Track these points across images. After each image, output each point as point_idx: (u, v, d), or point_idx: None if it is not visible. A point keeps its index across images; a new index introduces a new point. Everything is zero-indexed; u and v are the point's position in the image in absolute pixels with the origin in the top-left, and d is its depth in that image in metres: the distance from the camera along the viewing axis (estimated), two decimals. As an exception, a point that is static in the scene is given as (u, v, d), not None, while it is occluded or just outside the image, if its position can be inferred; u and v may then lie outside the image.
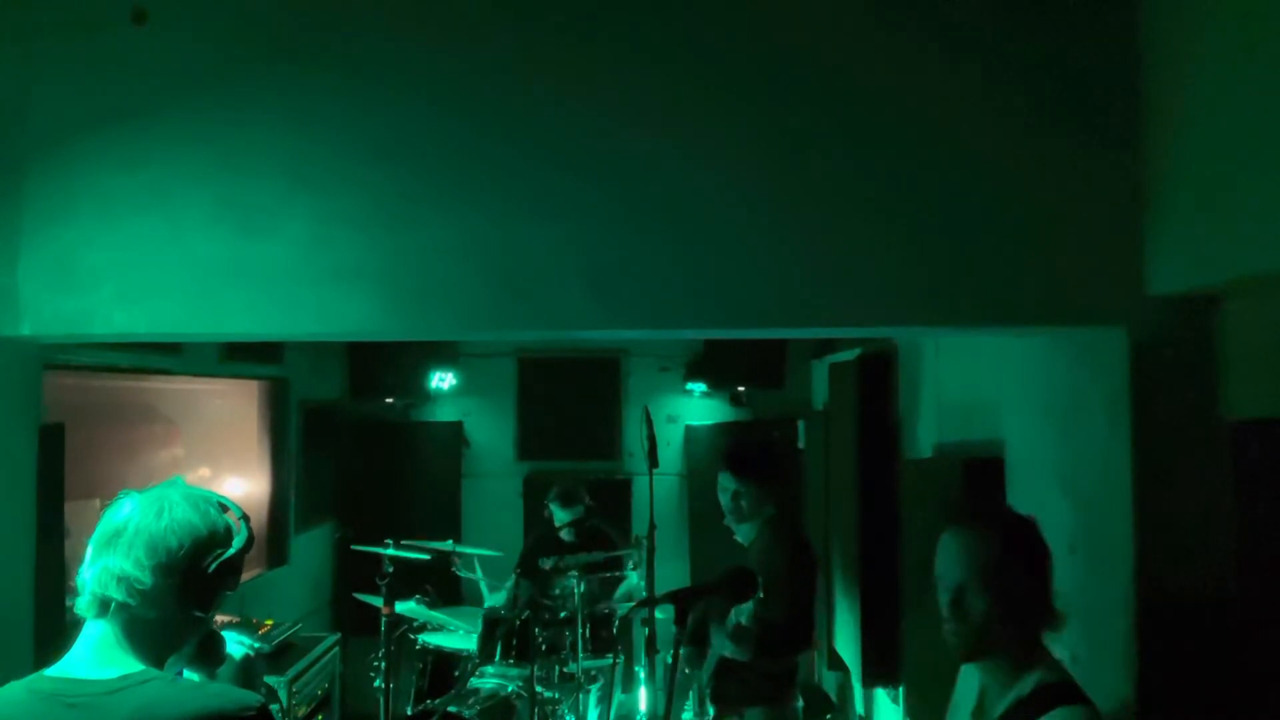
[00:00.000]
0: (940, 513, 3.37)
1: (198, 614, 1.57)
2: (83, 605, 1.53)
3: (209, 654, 1.67)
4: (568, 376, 6.55)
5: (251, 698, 1.56)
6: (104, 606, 1.51)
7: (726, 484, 3.61)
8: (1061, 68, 2.27)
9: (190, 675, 1.68)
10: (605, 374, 6.58)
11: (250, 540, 1.65)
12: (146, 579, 1.49)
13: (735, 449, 3.91)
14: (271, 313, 2.31)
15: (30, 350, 2.49)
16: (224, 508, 1.65)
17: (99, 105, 2.32)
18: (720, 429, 6.50)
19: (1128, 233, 2.23)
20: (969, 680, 2.00)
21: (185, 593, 1.53)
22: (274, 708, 3.67)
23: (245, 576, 4.97)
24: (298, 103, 2.32)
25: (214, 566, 1.56)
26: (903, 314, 2.32)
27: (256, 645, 1.84)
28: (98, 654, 1.51)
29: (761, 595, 3.04)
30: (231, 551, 1.60)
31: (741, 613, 3.29)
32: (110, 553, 1.51)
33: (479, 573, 5.04)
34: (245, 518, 1.67)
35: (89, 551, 1.54)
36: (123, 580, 1.49)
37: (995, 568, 1.80)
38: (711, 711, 3.63)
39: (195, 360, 4.34)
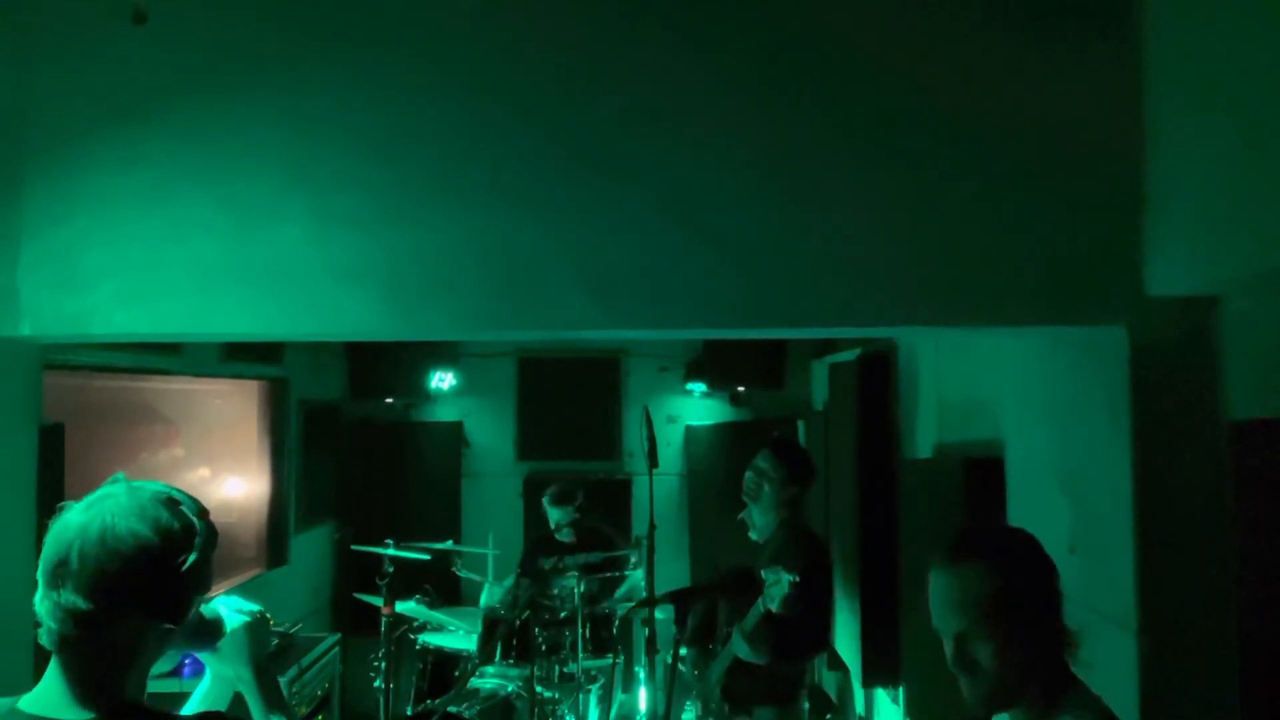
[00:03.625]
0: (940, 513, 3.39)
1: (167, 625, 1.45)
2: (45, 639, 1.42)
3: (204, 633, 1.62)
4: (568, 376, 6.54)
5: None
6: (64, 642, 1.40)
7: (761, 462, 3.59)
8: (1062, 69, 2.27)
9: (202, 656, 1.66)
10: (605, 374, 6.58)
11: (211, 535, 1.50)
12: (102, 608, 1.37)
13: (783, 438, 3.91)
14: (271, 313, 2.31)
15: (30, 350, 2.49)
16: (175, 503, 1.47)
17: (99, 105, 2.32)
18: (720, 429, 6.50)
19: (1128, 233, 2.23)
20: None
21: (149, 609, 1.42)
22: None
23: (245, 577, 4.96)
24: (297, 103, 2.32)
25: (176, 574, 1.43)
26: (903, 314, 2.32)
27: (256, 608, 1.74)
28: (68, 691, 1.40)
29: (786, 592, 3.02)
30: (193, 556, 1.45)
31: (772, 601, 3.18)
32: (60, 587, 1.38)
33: (489, 573, 5.04)
34: (202, 512, 1.50)
35: (39, 581, 1.41)
36: (79, 616, 1.37)
37: (996, 605, 1.54)
38: (718, 710, 3.63)
39: (195, 360, 4.34)
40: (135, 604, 1.40)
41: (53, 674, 1.43)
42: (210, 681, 1.75)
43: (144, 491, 1.47)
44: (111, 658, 1.42)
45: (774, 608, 3.11)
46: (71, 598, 1.37)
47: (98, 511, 1.42)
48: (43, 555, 1.42)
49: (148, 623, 1.42)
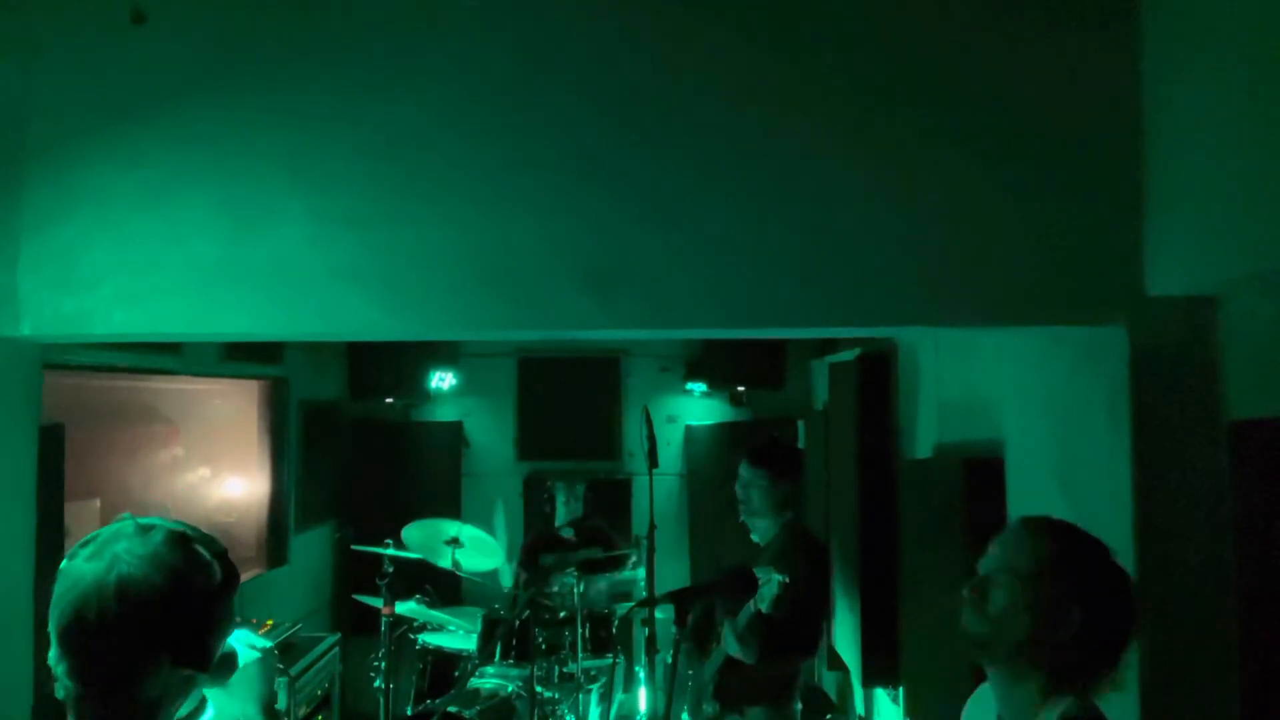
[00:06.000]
0: (940, 513, 3.38)
1: (189, 671, 1.39)
2: (61, 695, 1.36)
3: (220, 668, 1.56)
4: (568, 376, 6.54)
5: None
6: (84, 701, 1.34)
7: (742, 474, 3.63)
8: (1062, 68, 2.27)
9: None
10: (605, 374, 6.58)
11: (231, 577, 1.44)
12: (127, 666, 1.33)
13: (758, 444, 3.91)
14: (271, 313, 2.31)
15: (30, 350, 2.49)
16: (189, 543, 1.40)
17: (99, 105, 2.32)
18: (720, 429, 6.50)
19: (1128, 232, 2.23)
20: (983, 707, 1.78)
21: (175, 658, 1.36)
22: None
23: (245, 577, 4.97)
24: (297, 102, 2.32)
25: (198, 622, 1.38)
26: (903, 314, 2.32)
27: (266, 645, 1.71)
28: None
29: (775, 593, 3.03)
30: (215, 602, 1.41)
31: (762, 601, 3.20)
32: (79, 648, 1.32)
33: (501, 557, 5.08)
34: (218, 553, 1.44)
35: (53, 640, 1.34)
36: (102, 677, 1.33)
37: (1045, 581, 1.62)
38: (710, 709, 3.63)
39: (195, 360, 4.34)
40: (161, 657, 1.35)
41: None
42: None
43: (156, 534, 1.38)
44: (135, 712, 1.36)
45: (764, 608, 3.13)
46: (92, 659, 1.32)
47: (111, 562, 1.34)
48: (56, 611, 1.34)
49: (174, 672, 1.37)
